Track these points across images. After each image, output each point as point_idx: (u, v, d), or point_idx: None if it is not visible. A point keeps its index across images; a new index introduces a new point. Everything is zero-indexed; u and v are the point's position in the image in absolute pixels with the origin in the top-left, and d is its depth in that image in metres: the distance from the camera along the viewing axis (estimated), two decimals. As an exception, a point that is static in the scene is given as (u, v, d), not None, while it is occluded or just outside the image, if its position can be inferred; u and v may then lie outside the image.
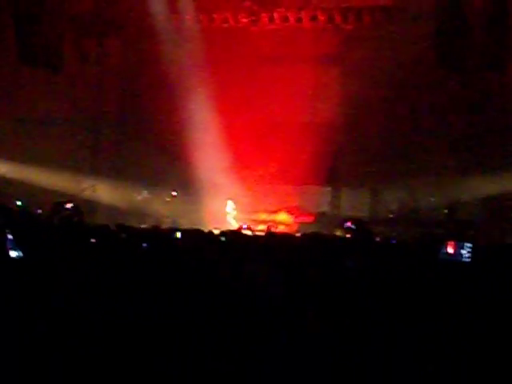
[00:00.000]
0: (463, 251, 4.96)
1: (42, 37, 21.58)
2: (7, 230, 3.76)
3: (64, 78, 22.28)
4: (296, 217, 21.23)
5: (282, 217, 21.34)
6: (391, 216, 20.58)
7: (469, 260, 4.98)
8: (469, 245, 5.05)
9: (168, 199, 22.04)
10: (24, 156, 21.10)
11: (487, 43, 20.15)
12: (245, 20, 22.90)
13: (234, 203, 21.41)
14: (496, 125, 20.25)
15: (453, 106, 20.96)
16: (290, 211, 21.61)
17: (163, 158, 21.92)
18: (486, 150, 20.17)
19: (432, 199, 20.33)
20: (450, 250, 4.70)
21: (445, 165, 20.18)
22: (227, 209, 21.16)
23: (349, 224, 5.24)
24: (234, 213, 21.19)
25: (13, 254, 3.68)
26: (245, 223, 19.06)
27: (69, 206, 5.39)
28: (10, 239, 3.74)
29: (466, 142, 20.54)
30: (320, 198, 21.84)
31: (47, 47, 21.69)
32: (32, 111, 22.65)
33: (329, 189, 21.98)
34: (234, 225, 19.39)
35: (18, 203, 19.50)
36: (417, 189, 20.91)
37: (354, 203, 21.14)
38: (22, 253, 3.69)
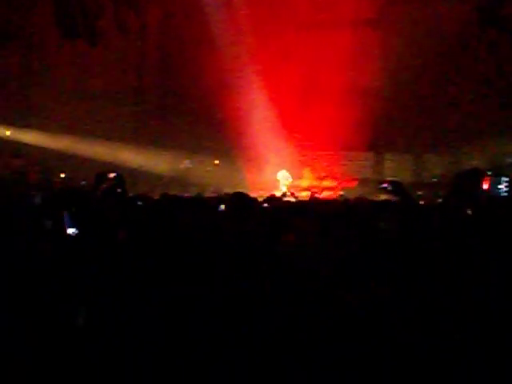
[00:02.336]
0: (500, 186, 4.80)
1: (81, 10, 21.70)
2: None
3: (105, 50, 22.41)
4: (339, 183, 21.20)
5: (326, 183, 21.31)
6: (434, 180, 20.46)
7: (506, 194, 4.82)
8: (505, 179, 4.88)
9: (210, 168, 22.10)
10: (68, 128, 21.32)
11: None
12: (284, -14, 22.81)
13: (287, 172, 21.34)
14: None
15: (498, 69, 20.74)
16: (333, 177, 21.59)
17: (205, 127, 21.97)
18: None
19: (475, 162, 20.15)
20: (485, 185, 4.53)
21: (488, 128, 19.97)
22: (278, 177, 21.10)
23: (385, 185, 5.12)
24: (287, 182, 21.09)
25: (69, 231, 3.76)
26: (289, 190, 19.09)
27: (112, 175, 5.39)
28: (66, 216, 3.82)
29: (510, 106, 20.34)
30: (363, 164, 21.78)
31: (87, 21, 21.81)
32: (75, 84, 22.85)
33: (372, 154, 21.91)
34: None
35: (62, 175, 19.72)
36: (460, 152, 20.77)
37: (397, 168, 21.07)
38: (77, 229, 3.76)
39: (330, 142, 21.56)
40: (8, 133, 21.96)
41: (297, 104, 21.72)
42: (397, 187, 5.06)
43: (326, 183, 21.18)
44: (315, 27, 22.44)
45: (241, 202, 5.10)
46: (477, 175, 4.53)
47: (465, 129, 20.45)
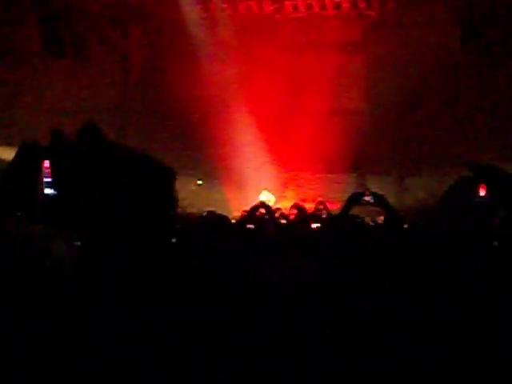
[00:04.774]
0: None
1: (67, 28, 21.67)
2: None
3: (90, 68, 22.36)
4: (321, 205, 21.16)
5: (308, 205, 21.26)
6: (418, 204, 20.46)
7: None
8: None
9: (193, 187, 22.05)
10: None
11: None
12: (269, 8, 22.88)
13: (270, 193, 21.32)
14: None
15: (479, 90, 20.84)
16: (314, 199, 21.57)
17: (189, 147, 21.92)
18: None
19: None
20: (482, 192, 4.35)
21: (472, 150, 20.03)
22: (261, 198, 21.07)
23: (367, 198, 5.05)
24: (271, 202, 21.03)
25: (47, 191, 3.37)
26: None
27: None
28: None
29: (495, 129, 20.42)
30: (346, 186, 21.78)
31: (73, 38, 21.77)
32: (58, 102, 22.78)
33: (354, 176, 21.93)
34: None
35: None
36: (445, 176, 20.82)
37: (380, 191, 21.07)
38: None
39: (313, 164, 21.57)
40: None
41: (280, 125, 21.73)
42: (379, 199, 5.02)
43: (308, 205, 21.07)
44: (301, 49, 22.53)
45: (213, 219, 5.03)
46: (473, 182, 4.32)
47: (449, 151, 20.50)
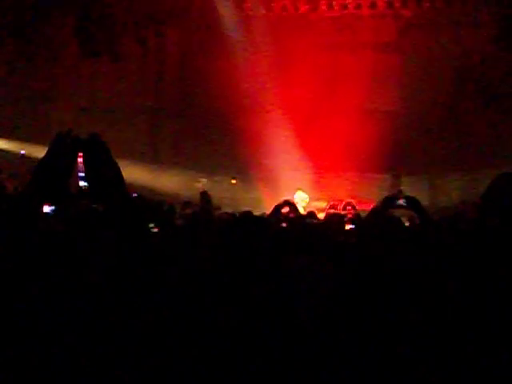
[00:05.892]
0: None
1: (102, 27, 21.77)
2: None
3: (124, 67, 22.48)
4: (356, 205, 21.10)
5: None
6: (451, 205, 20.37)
7: None
8: None
9: (227, 187, 22.08)
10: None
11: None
12: (304, 7, 22.89)
13: (304, 192, 21.26)
14: None
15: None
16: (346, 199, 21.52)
17: (223, 147, 21.99)
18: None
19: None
20: None
21: (506, 153, 19.89)
22: (295, 198, 20.98)
23: (400, 201, 4.97)
24: (304, 203, 20.94)
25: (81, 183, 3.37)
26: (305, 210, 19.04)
27: (135, 195, 5.28)
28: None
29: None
30: (380, 186, 21.72)
31: (107, 37, 21.88)
32: (93, 101, 22.98)
33: (388, 177, 21.85)
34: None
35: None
36: (478, 176, 20.70)
37: (413, 191, 20.97)
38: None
39: (348, 164, 21.54)
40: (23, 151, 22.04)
41: (315, 124, 21.72)
42: (412, 203, 4.97)
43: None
44: (336, 48, 22.54)
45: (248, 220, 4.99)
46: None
47: (482, 152, 20.39)
